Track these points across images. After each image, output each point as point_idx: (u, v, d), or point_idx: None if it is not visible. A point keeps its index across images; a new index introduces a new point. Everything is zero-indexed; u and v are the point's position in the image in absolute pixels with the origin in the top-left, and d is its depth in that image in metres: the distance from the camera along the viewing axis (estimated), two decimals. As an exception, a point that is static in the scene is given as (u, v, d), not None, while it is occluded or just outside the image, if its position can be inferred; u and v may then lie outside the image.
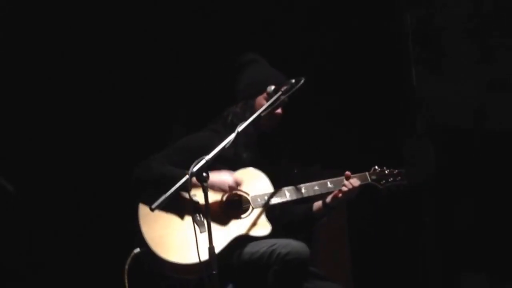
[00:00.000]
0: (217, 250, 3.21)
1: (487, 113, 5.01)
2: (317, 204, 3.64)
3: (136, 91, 4.57)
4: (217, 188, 3.42)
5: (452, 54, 5.04)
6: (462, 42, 5.03)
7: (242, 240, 3.42)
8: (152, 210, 3.10)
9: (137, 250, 3.35)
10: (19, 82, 4.38)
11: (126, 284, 3.29)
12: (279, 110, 3.58)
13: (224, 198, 3.49)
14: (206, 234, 3.07)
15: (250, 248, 3.38)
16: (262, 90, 3.60)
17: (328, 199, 3.58)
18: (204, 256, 3.10)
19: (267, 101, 3.52)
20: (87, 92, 4.49)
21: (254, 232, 3.44)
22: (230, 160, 3.50)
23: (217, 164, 3.34)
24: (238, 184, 3.45)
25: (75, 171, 4.44)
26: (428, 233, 4.95)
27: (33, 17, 4.42)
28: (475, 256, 4.87)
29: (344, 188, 3.54)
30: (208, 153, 3.14)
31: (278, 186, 3.56)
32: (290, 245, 3.29)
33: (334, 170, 3.65)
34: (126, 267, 3.32)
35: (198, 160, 3.11)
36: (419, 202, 4.87)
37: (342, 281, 4.21)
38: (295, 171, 3.69)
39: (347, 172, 3.57)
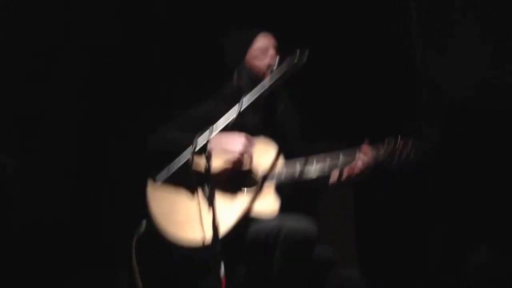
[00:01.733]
0: (223, 229, 3.21)
1: (489, 90, 5.02)
2: (335, 172, 3.54)
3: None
4: (228, 147, 3.35)
5: (455, 30, 5.05)
6: (465, 18, 5.03)
7: (248, 218, 3.40)
8: (156, 182, 3.12)
9: (144, 222, 3.38)
10: (18, 80, 4.43)
11: (134, 255, 3.33)
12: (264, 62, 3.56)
13: (231, 166, 3.43)
14: (211, 211, 3.06)
15: (256, 226, 3.36)
16: (246, 48, 3.60)
17: (345, 172, 3.49)
18: (209, 233, 3.09)
19: (256, 54, 3.54)
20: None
21: (261, 210, 3.40)
22: (236, 125, 3.43)
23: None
24: (249, 145, 3.37)
25: (86, 142, 4.52)
26: (433, 210, 4.95)
27: (33, 17, 4.47)
28: (478, 230, 4.87)
29: (359, 162, 3.46)
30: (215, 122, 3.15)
31: (286, 156, 3.51)
32: (297, 223, 3.28)
33: (332, 143, 3.63)
34: (135, 239, 3.36)
35: (204, 130, 3.11)
36: (424, 178, 4.87)
37: (348, 260, 4.22)
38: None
39: (364, 145, 3.49)
